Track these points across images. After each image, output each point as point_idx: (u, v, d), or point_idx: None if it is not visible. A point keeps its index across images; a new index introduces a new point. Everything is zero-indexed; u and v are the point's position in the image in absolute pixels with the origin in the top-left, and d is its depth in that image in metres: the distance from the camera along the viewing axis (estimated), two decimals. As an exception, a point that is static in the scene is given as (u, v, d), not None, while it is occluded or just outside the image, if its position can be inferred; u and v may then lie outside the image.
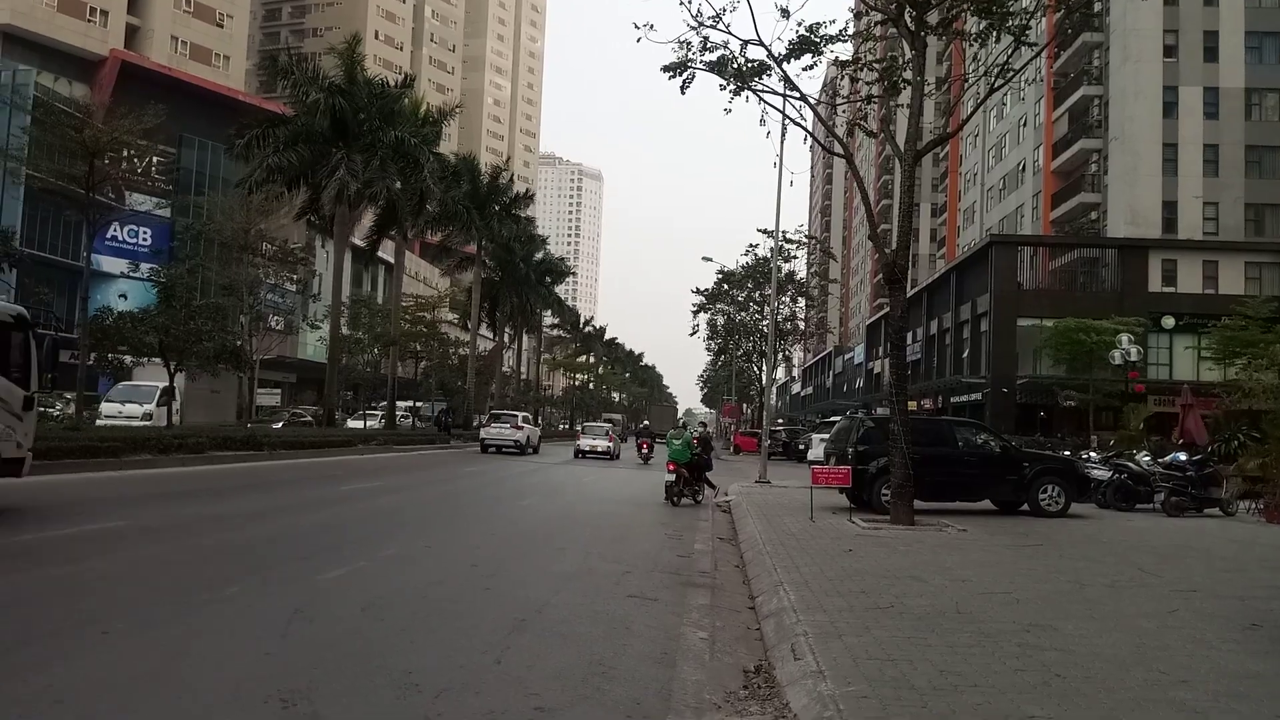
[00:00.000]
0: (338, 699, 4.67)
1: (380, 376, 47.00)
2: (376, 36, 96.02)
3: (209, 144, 49.28)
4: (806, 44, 13.87)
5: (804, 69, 14.91)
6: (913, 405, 43.58)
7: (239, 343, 29.74)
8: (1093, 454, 23.10)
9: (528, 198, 54.43)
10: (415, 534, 11.38)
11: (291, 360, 49.58)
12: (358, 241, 43.24)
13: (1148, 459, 20.42)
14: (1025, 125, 55.60)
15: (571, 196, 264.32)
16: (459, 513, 14.62)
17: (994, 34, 13.43)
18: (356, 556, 9.15)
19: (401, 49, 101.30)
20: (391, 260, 42.06)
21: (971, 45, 14.01)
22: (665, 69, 14.27)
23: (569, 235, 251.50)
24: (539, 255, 58.26)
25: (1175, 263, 43.18)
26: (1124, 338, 31.78)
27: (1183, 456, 18.71)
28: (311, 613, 6.58)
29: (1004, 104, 56.54)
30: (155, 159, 45.93)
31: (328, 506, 13.82)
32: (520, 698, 4.80)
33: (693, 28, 14.03)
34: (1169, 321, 41.34)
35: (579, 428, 53.31)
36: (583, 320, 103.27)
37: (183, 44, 63.23)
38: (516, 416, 38.42)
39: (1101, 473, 18.92)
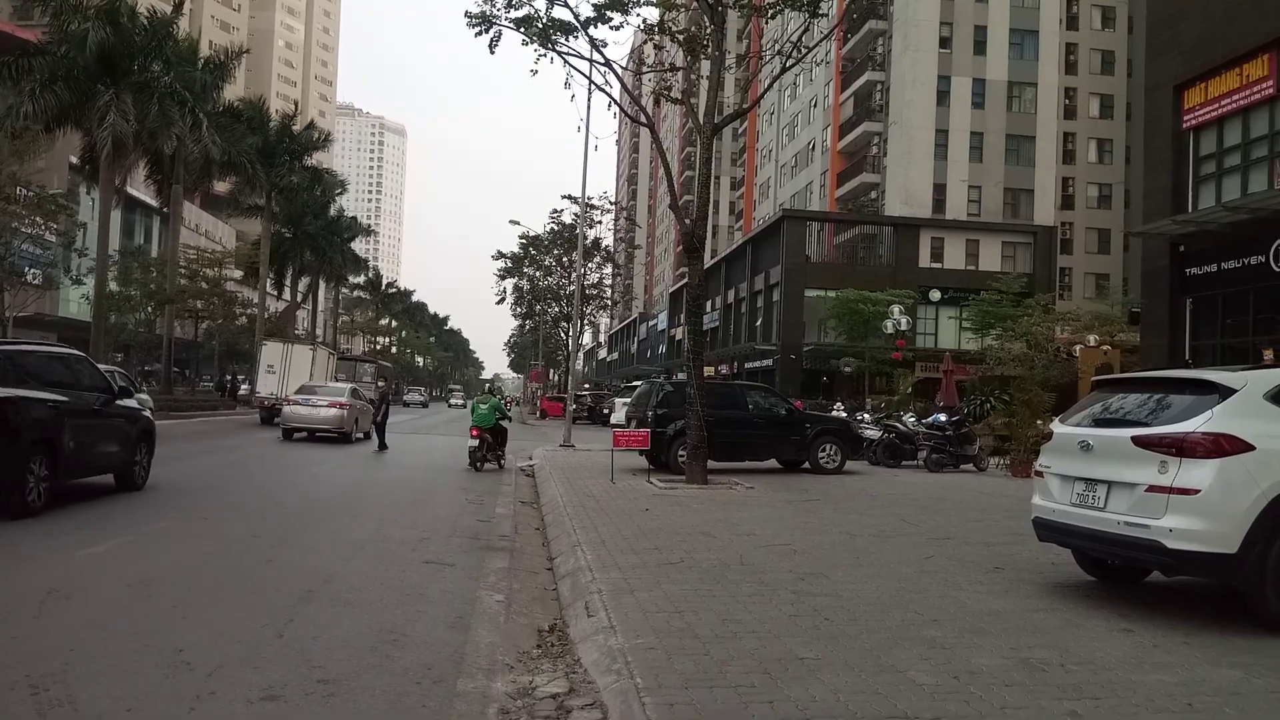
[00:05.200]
0: (96, 681, 4.33)
1: (155, 337, 43.28)
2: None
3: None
4: (614, 4, 13.92)
5: (612, 29, 14.95)
6: (710, 370, 45.44)
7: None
8: (866, 415, 25.00)
9: (324, 141, 51.20)
10: (191, 505, 10.65)
11: (51, 318, 44.49)
12: (132, 191, 39.38)
13: (913, 420, 22.34)
14: (815, 106, 58.57)
15: (372, 151, 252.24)
16: (242, 482, 13.80)
17: (785, 11, 13.99)
18: (122, 530, 8.47)
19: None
20: (168, 211, 38.55)
21: (767, 21, 14.53)
22: (467, 15, 13.92)
23: (370, 192, 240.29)
24: (333, 210, 55.30)
25: (943, 241, 47.22)
26: (896, 309, 34.45)
27: (943, 418, 20.56)
28: (69, 590, 6.07)
29: (796, 84, 59.26)
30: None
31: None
32: (303, 670, 4.63)
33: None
34: (935, 294, 45.28)
35: (448, 391, 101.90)
36: (385, 281, 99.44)
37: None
38: (420, 389, 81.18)
39: (873, 432, 20.54)
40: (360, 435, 23.71)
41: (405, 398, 72.71)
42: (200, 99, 31.77)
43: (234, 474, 15.02)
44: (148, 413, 12.62)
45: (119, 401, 11.08)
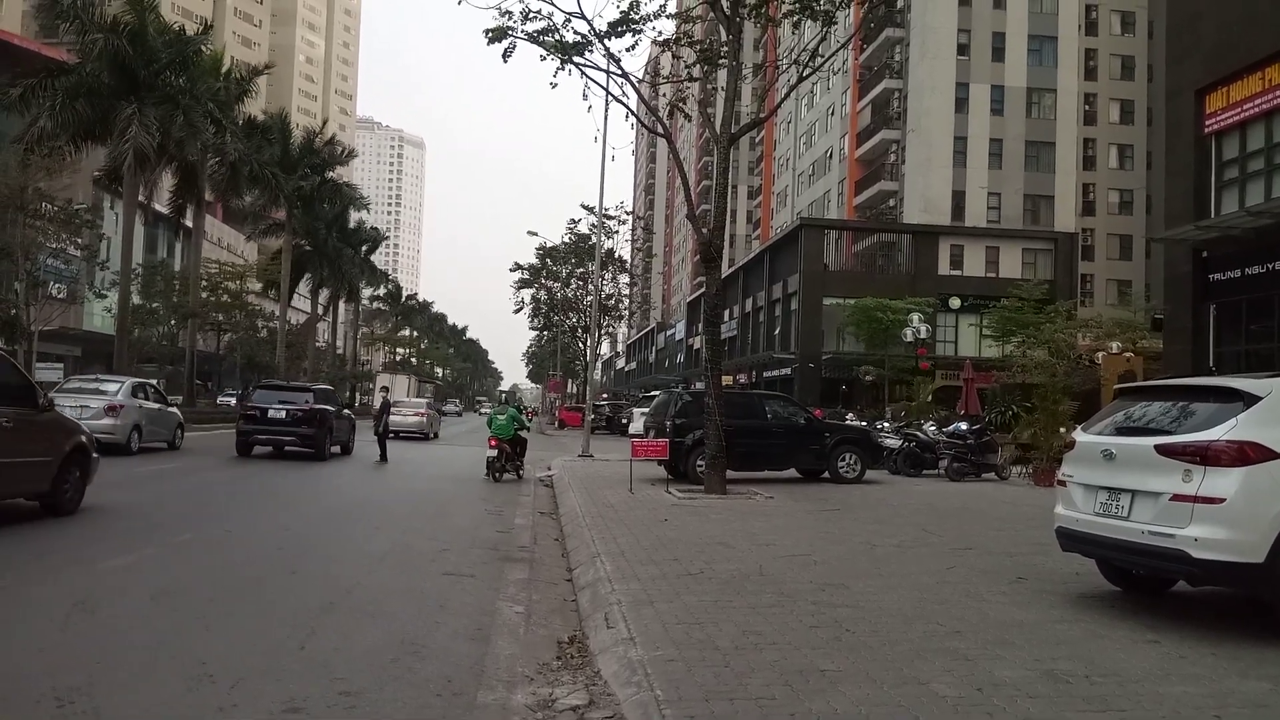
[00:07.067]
0: (120, 694, 4.37)
1: (178, 350, 43.75)
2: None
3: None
4: (626, 22, 13.97)
5: (626, 49, 15.08)
6: (728, 380, 45.37)
7: (13, 311, 27.09)
8: (886, 424, 24.86)
9: (347, 156, 51.97)
10: (215, 517, 10.74)
11: (76, 331, 45.07)
12: (158, 206, 39.89)
13: (934, 428, 22.19)
14: (833, 115, 58.49)
15: (392, 164, 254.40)
16: (265, 494, 13.90)
17: (804, 21, 13.99)
18: (146, 542, 8.55)
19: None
20: (190, 224, 39.03)
21: (782, 27, 14.53)
22: (486, 32, 14.00)
23: (389, 205, 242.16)
24: (352, 224, 55.81)
25: (962, 248, 46.97)
26: (915, 316, 34.30)
27: (964, 426, 20.43)
28: (94, 603, 6.10)
29: (814, 93, 59.22)
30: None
31: (114, 490, 12.76)
32: (324, 682, 4.65)
33: (514, -7, 13.80)
34: (955, 302, 45.01)
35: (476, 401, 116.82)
36: (405, 293, 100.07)
37: (-57, -23, 55.65)
38: (455, 400, 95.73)
39: (893, 441, 20.40)
40: (433, 435, 32.48)
41: (444, 408, 74.62)
42: (224, 111, 32.13)
43: (253, 485, 15.13)
44: (353, 416, 23.75)
45: (343, 411, 22.55)
